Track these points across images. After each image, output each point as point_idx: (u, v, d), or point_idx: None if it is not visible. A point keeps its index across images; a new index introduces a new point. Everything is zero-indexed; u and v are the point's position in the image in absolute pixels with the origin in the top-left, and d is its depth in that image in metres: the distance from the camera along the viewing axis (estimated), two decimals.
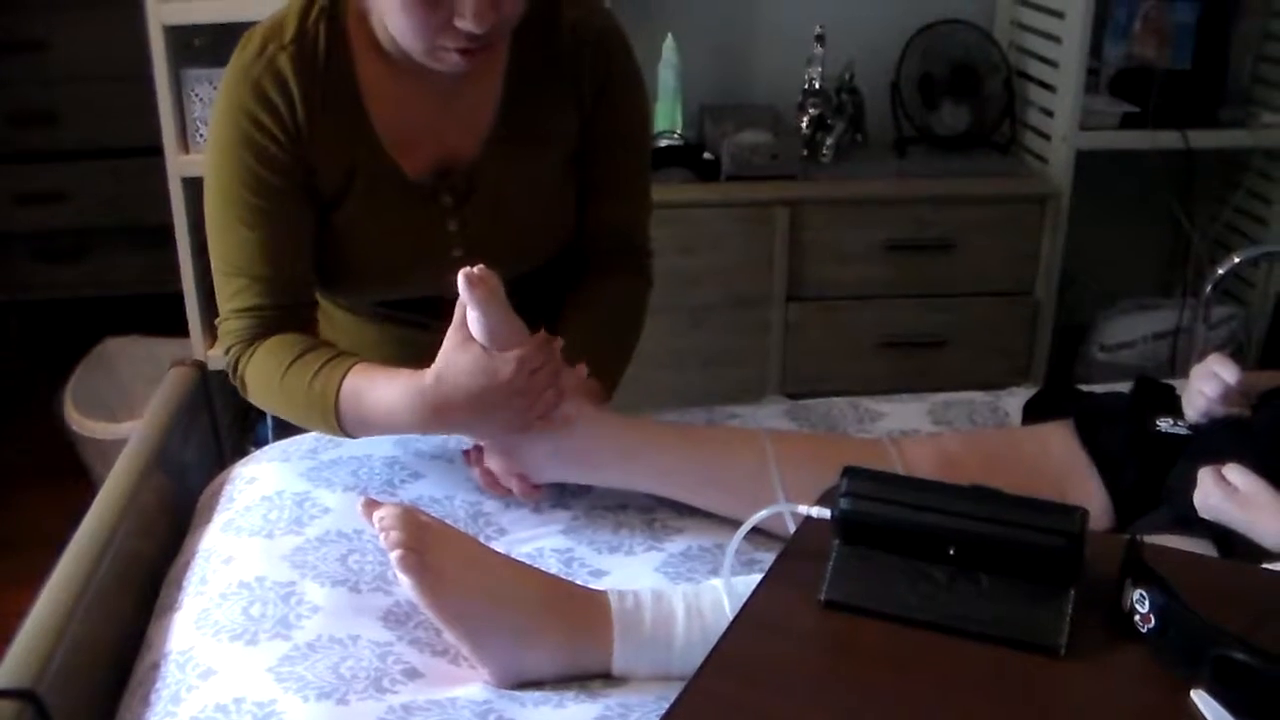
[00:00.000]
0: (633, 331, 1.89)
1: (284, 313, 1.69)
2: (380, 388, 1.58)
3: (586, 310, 1.84)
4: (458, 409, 1.53)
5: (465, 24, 1.49)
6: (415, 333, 1.83)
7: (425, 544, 1.36)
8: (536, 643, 1.35)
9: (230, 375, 1.72)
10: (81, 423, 3.22)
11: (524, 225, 1.79)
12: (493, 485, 1.64)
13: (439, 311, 1.59)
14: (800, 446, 1.65)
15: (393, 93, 1.68)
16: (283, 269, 1.68)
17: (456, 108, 1.72)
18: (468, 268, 1.49)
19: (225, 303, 1.70)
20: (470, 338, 1.52)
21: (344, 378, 1.60)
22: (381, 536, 1.38)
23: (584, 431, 1.60)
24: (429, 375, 1.54)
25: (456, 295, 1.79)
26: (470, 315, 1.51)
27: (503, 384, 1.51)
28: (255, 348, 1.67)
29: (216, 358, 1.74)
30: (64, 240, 4.16)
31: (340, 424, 1.61)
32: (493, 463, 1.62)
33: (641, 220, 1.92)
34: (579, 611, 1.37)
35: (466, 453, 1.71)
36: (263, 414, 2.06)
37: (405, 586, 1.37)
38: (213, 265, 1.71)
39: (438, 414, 1.55)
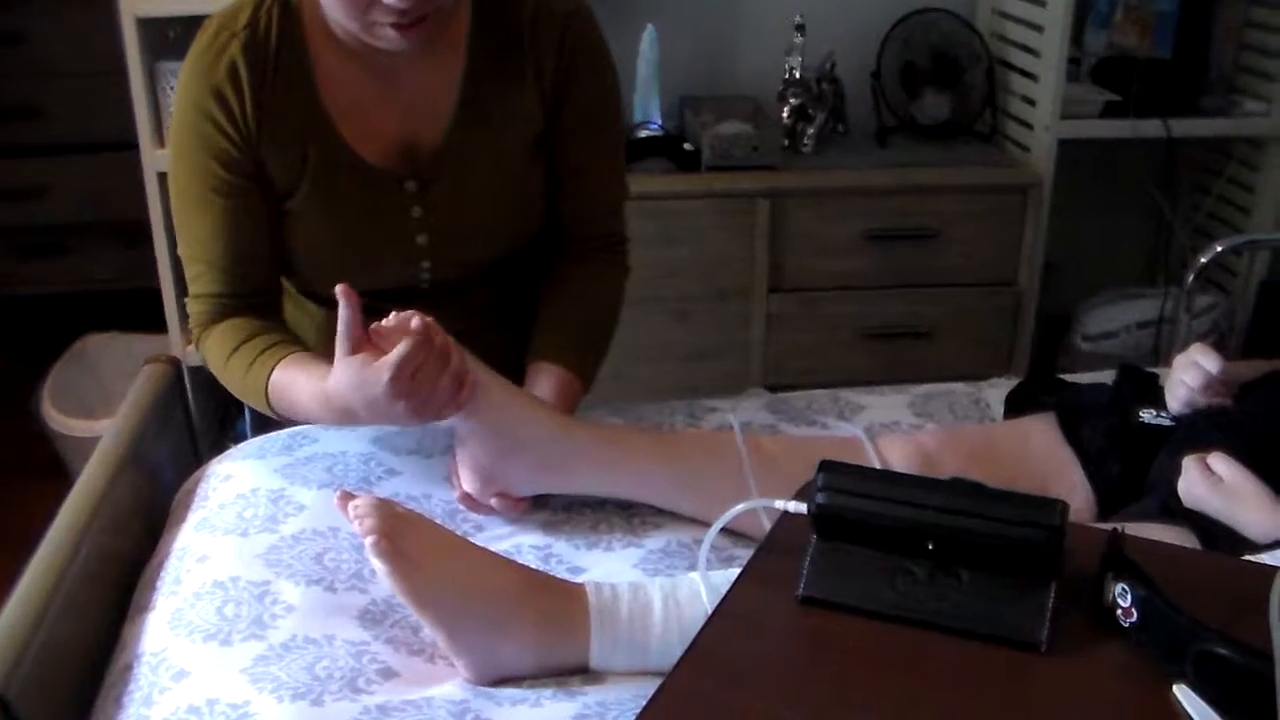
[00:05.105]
0: (610, 321, 1.88)
1: (238, 300, 1.73)
2: (299, 387, 1.62)
3: (562, 300, 1.83)
4: (357, 414, 1.55)
5: None
6: None
7: (400, 532, 1.35)
8: (512, 633, 1.34)
9: (195, 351, 1.79)
10: (60, 420, 3.20)
11: (489, 209, 1.78)
12: (474, 507, 1.62)
13: (410, 302, 1.57)
14: (775, 448, 1.64)
15: (349, 78, 1.68)
16: (237, 261, 1.72)
17: (417, 91, 1.71)
18: (375, 323, 1.48)
19: (189, 284, 1.76)
20: (348, 351, 1.49)
21: (271, 373, 1.65)
22: (356, 524, 1.37)
23: (559, 446, 1.59)
24: (328, 386, 1.55)
25: (425, 285, 1.79)
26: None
27: (384, 394, 1.47)
28: (210, 331, 1.73)
29: (193, 354, 1.79)
30: (43, 236, 4.14)
31: (275, 413, 1.69)
32: (469, 485, 1.61)
33: (616, 206, 1.90)
34: (555, 602, 1.37)
35: (450, 468, 1.69)
36: (242, 410, 2.05)
37: (379, 573, 1.36)
38: (178, 246, 1.76)
39: (343, 418, 1.59)
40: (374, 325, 1.48)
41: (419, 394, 1.48)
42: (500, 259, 1.84)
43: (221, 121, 1.64)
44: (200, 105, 1.65)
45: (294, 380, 1.63)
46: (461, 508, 1.63)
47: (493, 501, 1.60)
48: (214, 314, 1.73)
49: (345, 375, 1.50)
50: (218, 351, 1.71)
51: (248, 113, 1.64)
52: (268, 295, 1.79)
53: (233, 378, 1.70)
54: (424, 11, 1.54)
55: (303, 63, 1.66)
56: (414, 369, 1.46)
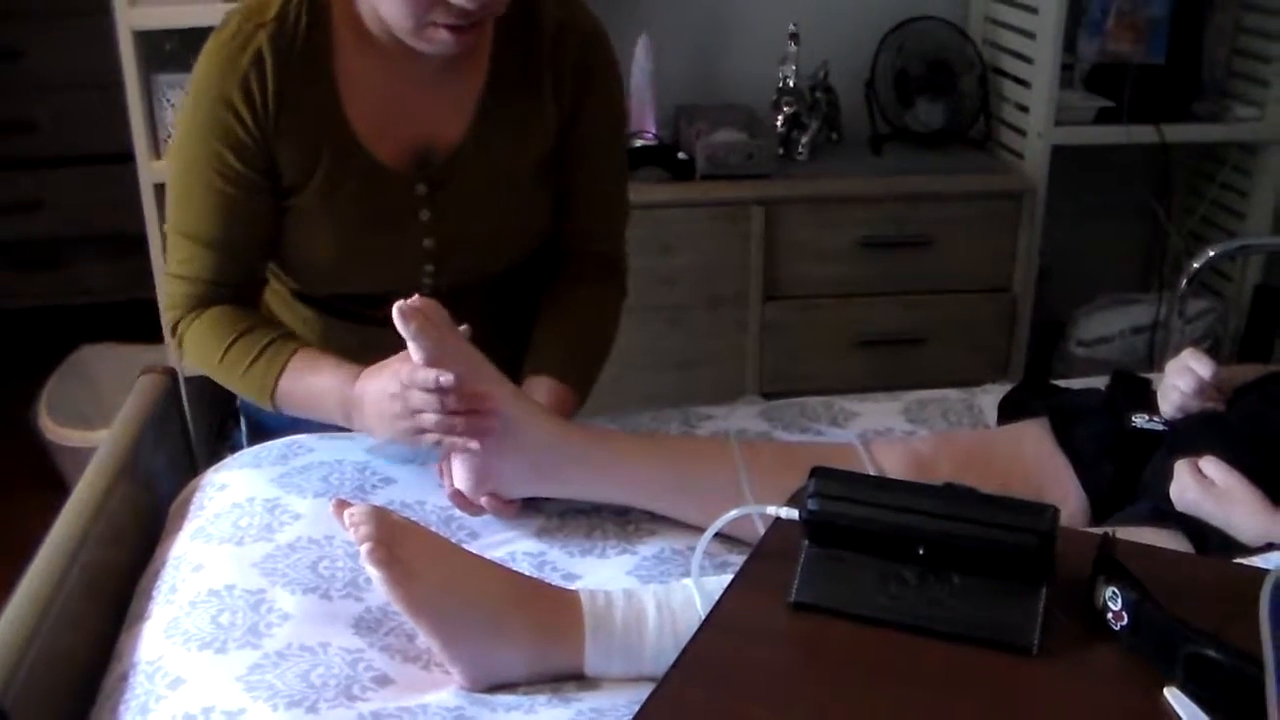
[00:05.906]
0: (606, 339, 1.88)
1: (224, 289, 1.74)
2: (321, 373, 1.66)
3: (559, 315, 1.84)
4: (364, 413, 1.61)
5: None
6: (381, 331, 1.83)
7: (395, 539, 1.35)
8: (507, 639, 1.34)
9: (169, 334, 1.79)
10: (57, 431, 3.20)
11: (496, 219, 1.79)
12: (465, 506, 1.62)
13: None
14: (770, 453, 1.65)
15: (372, 77, 1.68)
16: (233, 249, 1.72)
17: (439, 96, 1.72)
18: (401, 301, 1.49)
19: (172, 263, 1.76)
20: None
21: (287, 363, 1.68)
22: (351, 532, 1.37)
23: (554, 449, 1.59)
24: (361, 373, 1.62)
25: (426, 290, 1.79)
26: (410, 345, 1.52)
27: (397, 413, 1.55)
28: (197, 316, 1.74)
29: (191, 365, 1.77)
30: (39, 248, 4.14)
31: (275, 405, 1.71)
32: (461, 483, 1.61)
33: (617, 228, 1.91)
34: (550, 609, 1.37)
35: (439, 467, 1.69)
36: (238, 420, 2.05)
37: (375, 580, 1.35)
38: (166, 219, 1.76)
39: (347, 411, 1.63)
40: (398, 303, 1.48)
41: (419, 430, 1.55)
42: (503, 270, 1.85)
43: (242, 112, 1.64)
44: (223, 93, 1.64)
45: (315, 367, 1.67)
46: (456, 513, 1.64)
47: (483, 501, 1.60)
48: (200, 299, 1.73)
49: (393, 369, 1.55)
50: (211, 340, 1.71)
51: (269, 104, 1.64)
52: (253, 287, 1.81)
53: (230, 367, 1.70)
54: (483, 15, 1.55)
55: (326, 59, 1.66)
56: (417, 409, 1.54)
